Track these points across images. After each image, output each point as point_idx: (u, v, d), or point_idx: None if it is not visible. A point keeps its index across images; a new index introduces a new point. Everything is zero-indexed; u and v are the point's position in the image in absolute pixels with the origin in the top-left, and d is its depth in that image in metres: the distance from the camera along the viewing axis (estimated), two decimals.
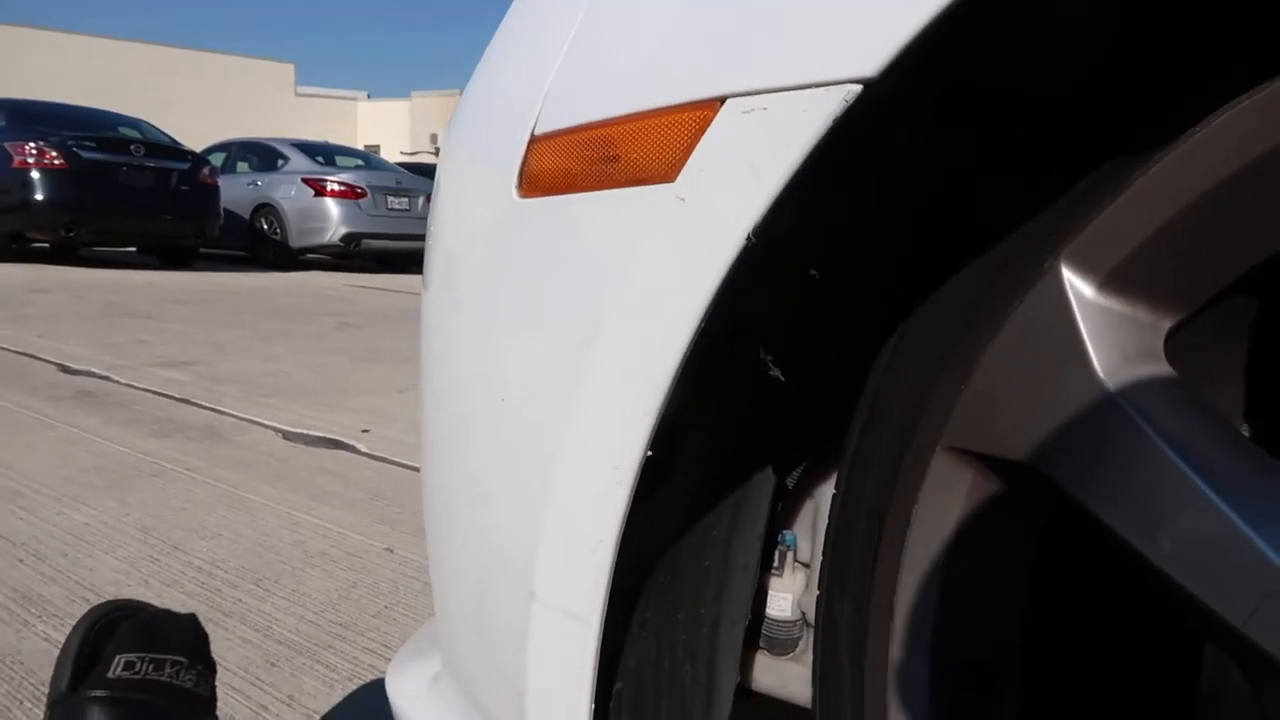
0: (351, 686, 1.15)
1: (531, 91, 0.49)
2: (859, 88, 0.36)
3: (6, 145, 7.01)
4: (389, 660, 1.21)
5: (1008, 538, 0.50)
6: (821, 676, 0.57)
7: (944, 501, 0.50)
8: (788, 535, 0.74)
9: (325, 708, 1.10)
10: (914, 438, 0.50)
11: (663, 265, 0.42)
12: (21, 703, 1.07)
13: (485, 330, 0.52)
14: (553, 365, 0.47)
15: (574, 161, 0.47)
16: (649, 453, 0.44)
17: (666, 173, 0.42)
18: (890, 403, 0.52)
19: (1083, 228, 0.41)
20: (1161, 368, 0.41)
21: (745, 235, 0.39)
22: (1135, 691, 0.56)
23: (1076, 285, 0.43)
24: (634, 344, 0.43)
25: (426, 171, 10.50)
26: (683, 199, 0.41)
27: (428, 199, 9.25)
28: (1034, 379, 0.44)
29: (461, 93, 0.61)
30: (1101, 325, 0.43)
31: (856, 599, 0.54)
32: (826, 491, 0.71)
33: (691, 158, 0.41)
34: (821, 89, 0.37)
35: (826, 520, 0.72)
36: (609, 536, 0.44)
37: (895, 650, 0.51)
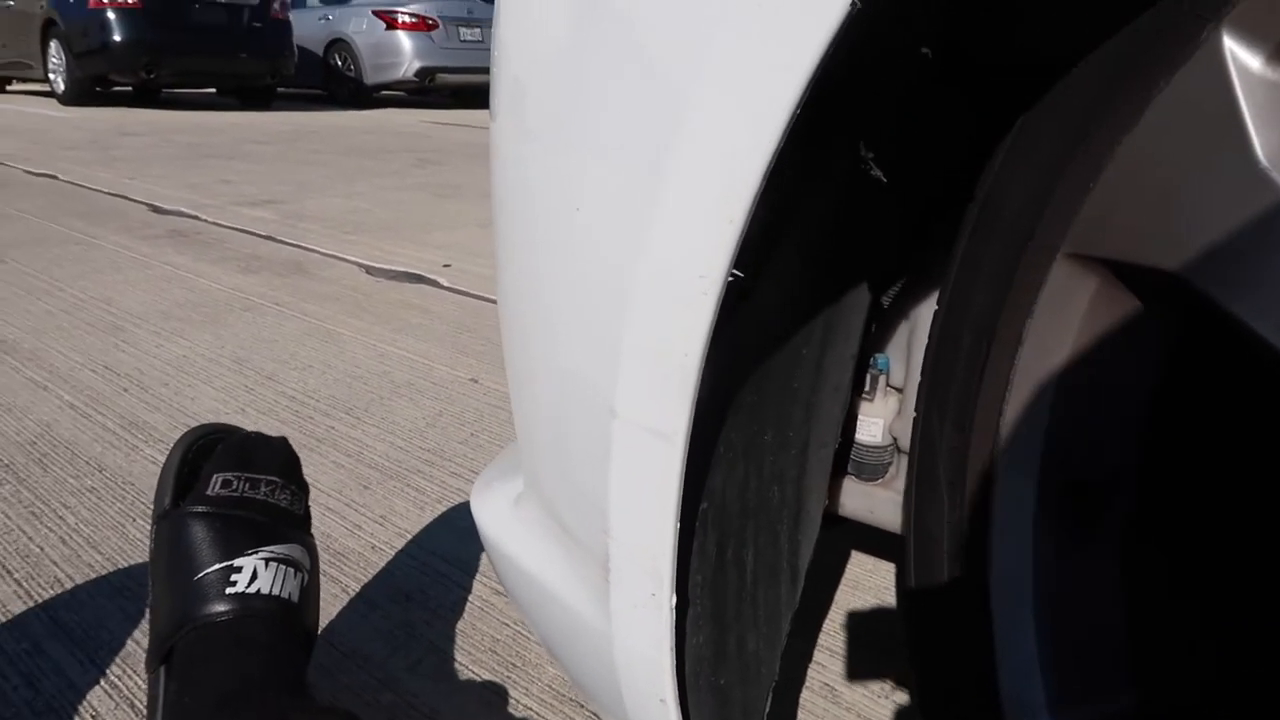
0: (441, 508, 1.19)
1: None
2: None
3: None
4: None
5: (1132, 354, 0.46)
6: (915, 501, 0.55)
7: (1062, 314, 0.45)
8: (880, 358, 0.71)
9: (416, 527, 1.14)
10: (1032, 244, 0.45)
11: (751, 47, 0.37)
12: (134, 520, 1.13)
13: (558, 148, 0.48)
14: (631, 174, 0.42)
15: None
16: (735, 272, 0.40)
17: None
18: (1005, 206, 0.47)
19: None
20: None
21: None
22: (1251, 527, 0.52)
23: (1240, 57, 0.36)
24: (719, 143, 0.39)
25: None
26: None
27: None
28: (1181, 170, 0.38)
29: None
30: (1268, 103, 0.36)
31: (958, 420, 0.50)
32: (924, 313, 0.66)
33: None
34: None
35: (924, 342, 0.68)
36: (694, 350, 0.41)
37: (999, 473, 0.48)
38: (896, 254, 0.60)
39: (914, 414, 0.69)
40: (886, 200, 0.51)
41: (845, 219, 0.52)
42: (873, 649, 0.94)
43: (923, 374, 0.61)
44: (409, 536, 1.12)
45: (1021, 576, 0.49)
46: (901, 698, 0.87)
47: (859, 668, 0.92)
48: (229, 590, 0.69)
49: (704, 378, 0.42)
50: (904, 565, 0.54)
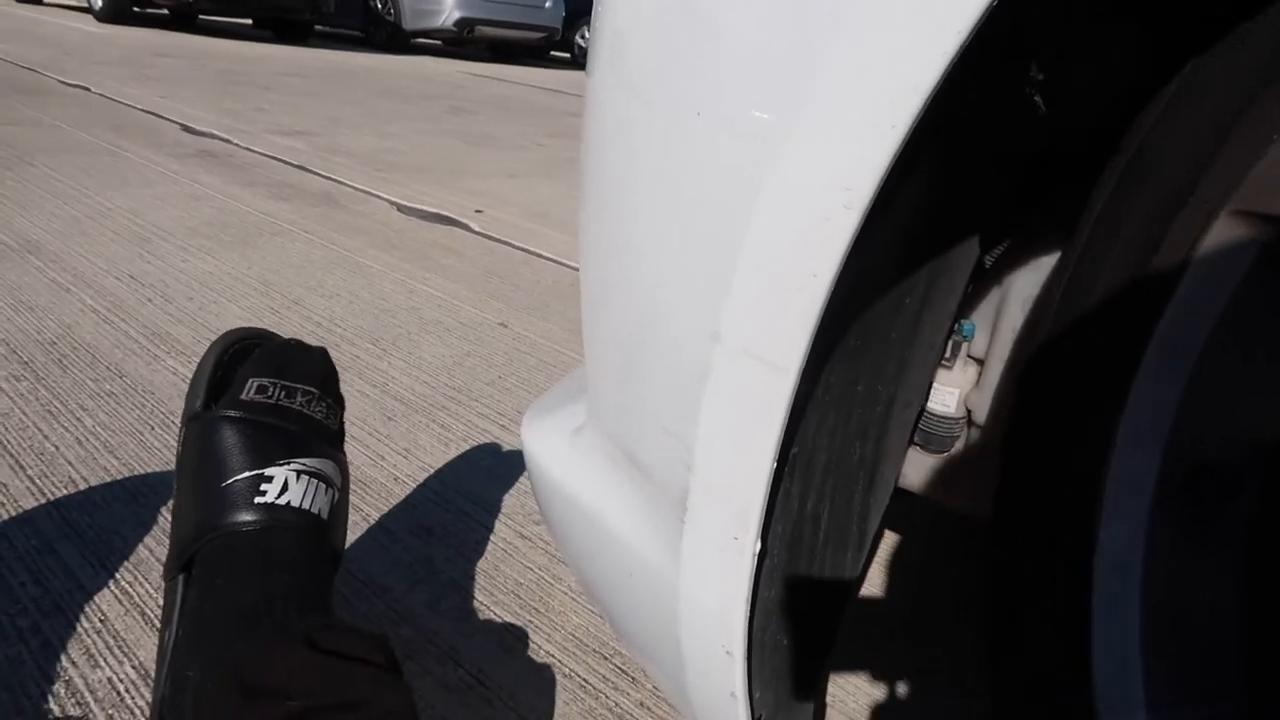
0: (466, 447, 1.15)
1: None
2: None
3: None
4: (502, 426, 1.21)
5: None
6: (1007, 470, 0.51)
7: (1216, 278, 0.41)
8: (966, 325, 0.67)
9: (440, 463, 1.11)
10: (1192, 198, 0.41)
11: None
12: (153, 429, 1.10)
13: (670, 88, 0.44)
14: (777, 67, 0.38)
15: None
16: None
17: None
18: (1163, 156, 0.43)
19: None
20: None
21: None
22: None
23: None
24: (892, 35, 0.35)
25: None
26: None
27: None
28: None
29: None
30: None
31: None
32: (1020, 280, 0.62)
33: None
34: None
35: (1014, 312, 0.64)
36: (825, 272, 0.37)
37: (1121, 448, 0.44)
38: (1014, 211, 0.55)
39: (995, 384, 0.65)
40: (1029, 138, 0.47)
41: (978, 161, 0.48)
42: (893, 626, 0.91)
43: (1021, 338, 0.57)
44: (432, 471, 1.08)
45: (1130, 563, 0.45)
46: (926, 678, 0.84)
47: (880, 644, 0.88)
48: (258, 500, 0.66)
49: (826, 308, 0.38)
50: (994, 539, 0.50)
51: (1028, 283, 0.61)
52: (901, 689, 0.83)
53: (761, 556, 0.46)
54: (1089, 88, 0.45)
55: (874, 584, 0.98)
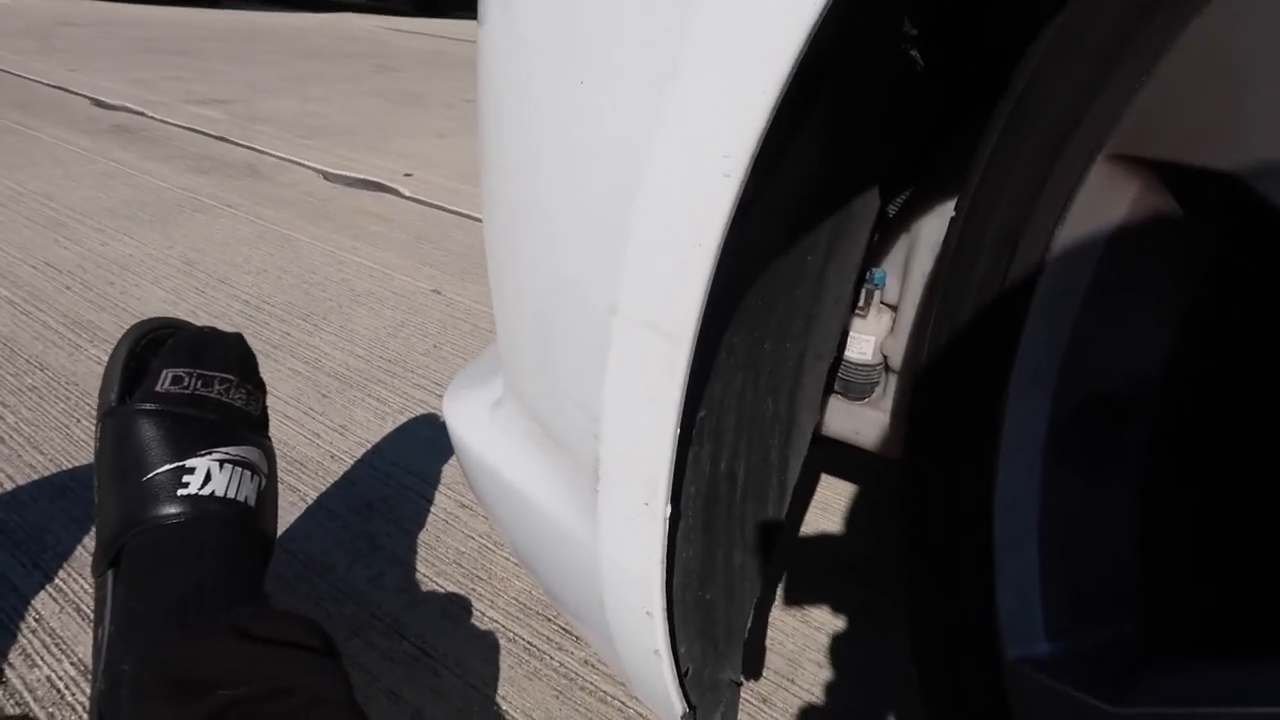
0: (403, 419, 1.15)
1: None
2: None
3: None
4: (438, 395, 1.20)
5: (1169, 266, 0.43)
6: (914, 416, 0.52)
7: (1097, 220, 0.42)
8: (877, 273, 0.68)
9: (377, 438, 1.10)
10: (1070, 143, 0.42)
11: None
12: (79, 421, 1.08)
13: (561, 36, 0.43)
14: (652, 40, 0.38)
15: None
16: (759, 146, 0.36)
17: None
18: (1043, 101, 0.43)
19: None
20: None
21: None
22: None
23: None
24: (756, 9, 0.35)
25: None
26: None
27: None
28: (1252, 58, 0.35)
29: None
30: None
31: (970, 332, 0.48)
32: (927, 225, 0.63)
33: None
34: None
35: (923, 257, 0.65)
36: (709, 240, 0.37)
37: (1012, 388, 0.46)
38: (911, 160, 0.56)
39: (909, 329, 0.67)
40: (913, 95, 0.47)
41: (866, 116, 0.49)
42: (843, 571, 0.94)
43: (931, 283, 0.58)
44: (369, 446, 1.08)
45: (1028, 498, 0.47)
46: (871, 619, 0.86)
47: (829, 590, 0.91)
48: (180, 492, 0.65)
49: (715, 274, 0.39)
50: (903, 480, 0.52)
51: (935, 229, 0.62)
52: (842, 628, 0.86)
53: (675, 519, 0.47)
54: (963, 42, 0.46)
55: (828, 528, 1.01)
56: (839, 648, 0.83)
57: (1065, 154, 0.42)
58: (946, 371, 0.49)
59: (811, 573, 0.93)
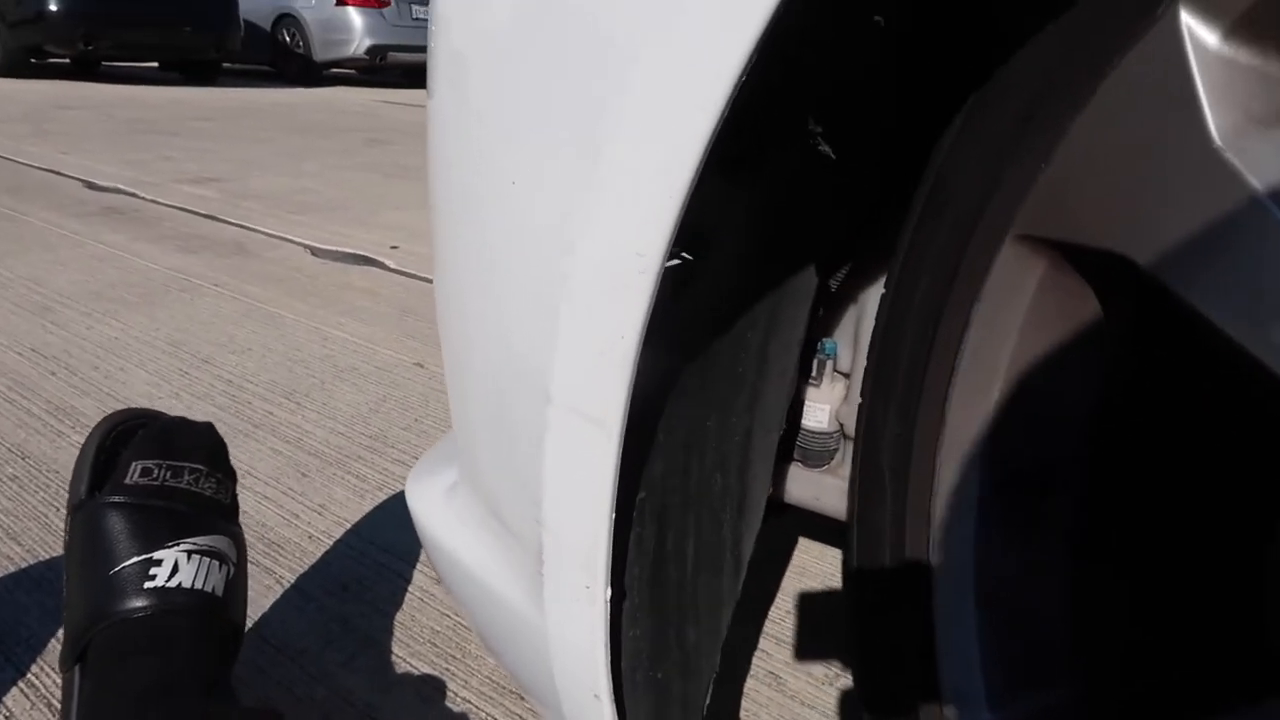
0: (382, 496, 1.16)
1: None
2: None
3: None
4: None
5: (1079, 342, 0.45)
6: (860, 489, 0.53)
7: (1010, 298, 0.44)
8: (828, 344, 0.69)
9: (356, 516, 1.11)
10: (980, 224, 0.44)
11: (697, 10, 0.35)
12: (59, 510, 1.09)
13: (496, 124, 0.45)
14: (570, 144, 0.40)
15: None
16: (684, 254, 0.38)
17: None
18: (954, 186, 0.45)
19: None
20: None
21: None
22: (1205, 513, 0.51)
23: (1197, 33, 0.35)
24: (661, 109, 0.37)
25: None
26: None
27: None
28: (1134, 149, 0.37)
29: None
30: (1223, 82, 0.35)
31: (903, 407, 0.49)
32: (872, 297, 0.65)
33: None
34: None
35: (871, 327, 0.67)
36: (630, 332, 0.39)
37: (943, 461, 0.47)
38: (845, 237, 0.58)
39: (860, 401, 0.68)
40: (834, 180, 0.49)
41: (792, 200, 0.51)
42: (818, 635, 0.94)
43: (868, 360, 0.60)
44: (348, 525, 1.08)
45: (964, 568, 0.48)
46: (846, 683, 0.86)
47: (805, 655, 0.91)
48: (147, 585, 0.66)
49: (643, 363, 0.40)
50: (848, 554, 0.53)
51: (878, 298, 0.63)
52: (819, 696, 0.86)
53: (619, 600, 0.48)
54: (878, 133, 0.48)
55: (807, 589, 1.01)
56: (814, 718, 0.82)
57: (977, 234, 0.44)
58: (882, 443, 0.51)
59: (787, 639, 0.93)
